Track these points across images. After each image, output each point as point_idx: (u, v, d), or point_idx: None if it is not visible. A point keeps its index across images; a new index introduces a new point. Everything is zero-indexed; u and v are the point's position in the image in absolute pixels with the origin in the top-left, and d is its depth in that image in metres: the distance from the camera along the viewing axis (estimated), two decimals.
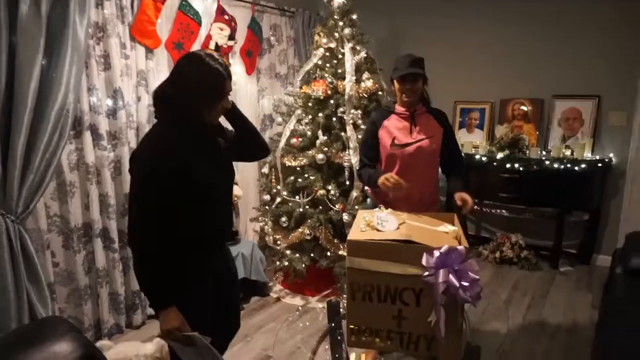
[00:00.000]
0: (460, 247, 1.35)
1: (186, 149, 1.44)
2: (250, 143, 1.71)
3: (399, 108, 2.20)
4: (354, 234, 1.52)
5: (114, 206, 2.67)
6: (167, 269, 1.44)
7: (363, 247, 1.44)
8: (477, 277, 1.33)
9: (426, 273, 1.35)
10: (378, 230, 1.51)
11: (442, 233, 1.55)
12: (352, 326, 1.52)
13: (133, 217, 1.45)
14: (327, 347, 2.04)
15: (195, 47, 3.10)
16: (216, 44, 3.17)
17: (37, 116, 2.14)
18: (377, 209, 1.70)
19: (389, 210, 1.68)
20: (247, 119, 1.69)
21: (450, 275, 1.31)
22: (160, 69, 2.90)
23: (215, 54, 1.48)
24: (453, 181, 2.21)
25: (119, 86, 2.59)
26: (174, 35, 2.91)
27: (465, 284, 1.31)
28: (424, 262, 1.35)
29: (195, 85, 1.41)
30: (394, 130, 2.18)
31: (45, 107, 2.16)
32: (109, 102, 2.62)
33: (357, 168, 2.32)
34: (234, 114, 1.63)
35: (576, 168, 3.54)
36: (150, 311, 2.95)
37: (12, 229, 2.12)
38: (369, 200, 2.59)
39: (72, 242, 2.53)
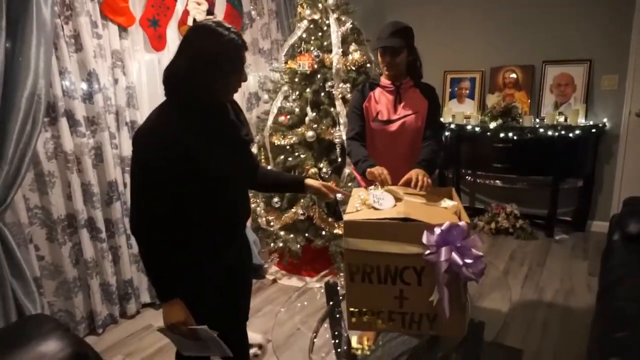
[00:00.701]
0: (461, 223, 1.29)
1: (192, 131, 1.30)
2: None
3: (384, 81, 2.09)
4: (350, 214, 1.45)
5: (98, 195, 2.56)
6: (173, 260, 1.34)
7: (360, 227, 1.37)
8: (481, 253, 1.27)
9: (427, 251, 1.29)
10: (375, 209, 1.44)
11: (441, 209, 1.49)
12: (352, 309, 1.47)
13: (134, 205, 1.33)
14: (326, 326, 2.01)
15: (172, 24, 2.94)
16: (194, 19, 3.01)
17: (5, 104, 2.01)
18: (372, 186, 1.63)
19: (386, 187, 1.60)
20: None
21: (453, 253, 1.25)
22: (136, 48, 2.75)
23: (225, 23, 1.33)
24: (422, 154, 1.97)
25: (93, 68, 2.44)
26: (148, 12, 2.75)
27: (469, 261, 1.26)
28: (424, 240, 1.29)
29: (208, 58, 1.27)
30: (378, 104, 2.07)
31: (13, 93, 2.03)
32: (84, 85, 2.48)
33: (346, 137, 2.18)
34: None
35: (570, 135, 3.49)
36: (145, 299, 2.89)
37: None
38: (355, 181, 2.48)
39: (56, 234, 2.43)
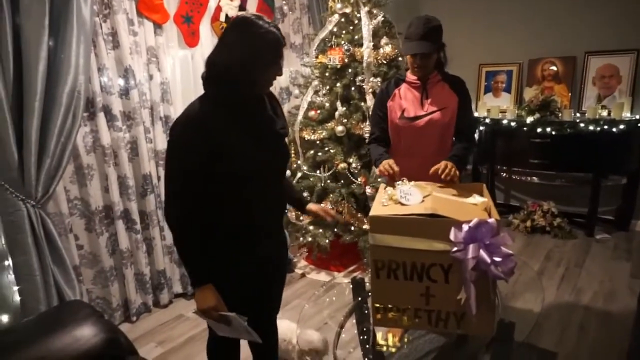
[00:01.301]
0: (491, 220, 1.25)
1: (227, 123, 1.33)
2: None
3: (410, 76, 2.03)
4: (376, 209, 1.43)
5: (133, 187, 2.65)
6: (205, 248, 1.38)
7: (386, 223, 1.36)
8: (511, 252, 1.23)
9: (455, 248, 1.26)
10: (402, 204, 1.42)
11: (470, 205, 1.45)
12: (377, 305, 1.46)
13: (168, 192, 1.38)
14: (354, 321, 2.00)
15: (205, 20, 2.99)
16: (226, 15, 3.05)
17: (48, 99, 2.10)
18: (399, 182, 1.60)
19: (413, 182, 1.57)
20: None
21: (481, 251, 1.21)
22: (170, 44, 2.82)
23: (265, 17, 1.35)
24: (454, 151, 1.96)
25: (129, 64, 2.52)
26: (182, 9, 2.81)
27: (498, 259, 1.22)
28: (451, 237, 1.26)
29: (249, 50, 1.30)
30: (404, 101, 2.01)
31: (55, 89, 2.12)
32: (121, 81, 2.56)
33: (367, 138, 2.17)
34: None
35: (614, 129, 3.32)
36: (177, 290, 2.97)
37: (34, 213, 2.12)
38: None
39: (94, 224, 2.54)
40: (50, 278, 2.19)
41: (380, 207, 1.45)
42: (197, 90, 3.13)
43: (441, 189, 1.57)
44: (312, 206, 1.76)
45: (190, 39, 2.89)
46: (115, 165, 2.57)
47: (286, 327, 2.18)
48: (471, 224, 1.23)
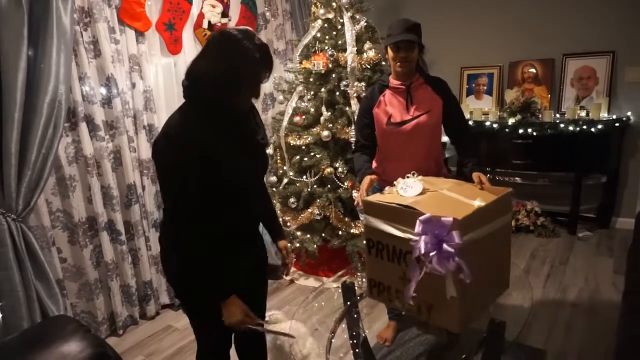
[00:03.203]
0: (446, 218, 1.28)
1: (213, 134, 1.31)
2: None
3: (393, 81, 2.05)
4: (374, 196, 1.55)
5: (117, 198, 2.60)
6: (214, 261, 1.36)
7: (374, 208, 1.49)
8: (452, 250, 1.27)
9: (415, 239, 1.33)
10: (400, 195, 1.52)
11: (466, 205, 1.47)
12: (370, 278, 1.56)
13: (169, 211, 1.36)
14: (344, 326, 2.00)
15: (188, 27, 2.97)
16: (209, 22, 3.04)
17: (28, 110, 2.05)
18: (409, 174, 1.64)
19: (421, 177, 1.62)
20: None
21: (422, 243, 1.28)
22: (152, 52, 2.79)
23: (251, 32, 1.33)
24: (464, 154, 2.04)
25: (111, 73, 2.49)
26: (164, 16, 2.78)
27: (436, 253, 1.28)
28: (415, 227, 1.33)
29: (231, 69, 1.27)
30: (390, 107, 2.04)
31: (36, 99, 2.07)
32: (103, 90, 2.52)
33: (353, 147, 2.20)
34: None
35: (592, 129, 3.40)
36: (164, 301, 2.93)
37: (15, 227, 2.06)
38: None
39: (77, 236, 2.48)
40: (33, 293, 2.14)
41: (380, 195, 1.55)
42: (181, 98, 3.09)
43: (455, 187, 1.60)
44: (283, 244, 1.76)
45: (173, 46, 2.87)
46: (99, 175, 2.52)
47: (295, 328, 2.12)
48: (422, 218, 1.29)
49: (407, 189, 1.54)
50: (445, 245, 1.27)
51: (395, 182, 1.60)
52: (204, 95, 1.31)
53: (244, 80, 1.30)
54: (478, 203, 1.44)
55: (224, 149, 1.32)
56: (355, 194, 2.92)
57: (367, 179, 1.91)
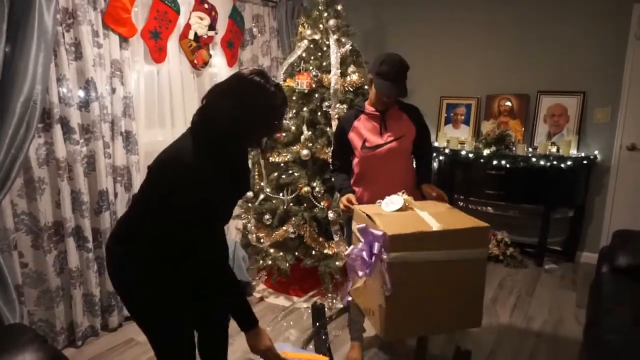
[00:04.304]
0: (376, 231, 1.47)
1: (218, 175, 1.37)
2: None
3: (368, 107, 2.13)
4: (355, 206, 1.87)
5: (87, 204, 2.53)
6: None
7: (356, 214, 1.78)
8: (371, 260, 1.48)
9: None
10: (382, 208, 1.72)
11: (423, 226, 1.53)
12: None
13: (207, 244, 1.42)
14: (312, 347, 1.98)
15: (174, 36, 2.97)
16: (195, 34, 3.04)
17: (0, 108, 2.00)
18: (400, 192, 1.78)
19: (410, 197, 1.75)
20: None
21: (358, 249, 1.55)
22: (136, 58, 2.77)
23: (266, 73, 1.39)
24: (420, 172, 2.21)
25: (91, 76, 2.45)
26: (150, 24, 2.77)
27: (364, 260, 1.51)
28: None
29: (255, 112, 1.34)
30: (364, 131, 2.12)
31: (9, 98, 2.02)
32: (81, 93, 2.47)
33: (331, 167, 2.34)
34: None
35: (562, 165, 3.53)
36: (127, 313, 2.83)
37: None
38: None
39: (42, 241, 2.39)
40: None
41: (366, 205, 1.81)
42: (162, 106, 3.08)
43: (439, 212, 1.67)
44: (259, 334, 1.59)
45: (157, 54, 2.85)
46: (70, 179, 2.45)
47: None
48: (359, 227, 1.55)
49: (389, 204, 1.70)
50: (369, 254, 1.47)
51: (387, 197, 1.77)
52: (219, 136, 1.34)
53: (270, 122, 1.39)
54: (437, 227, 1.48)
55: (225, 189, 1.41)
56: (330, 214, 2.93)
57: (350, 197, 2.05)
